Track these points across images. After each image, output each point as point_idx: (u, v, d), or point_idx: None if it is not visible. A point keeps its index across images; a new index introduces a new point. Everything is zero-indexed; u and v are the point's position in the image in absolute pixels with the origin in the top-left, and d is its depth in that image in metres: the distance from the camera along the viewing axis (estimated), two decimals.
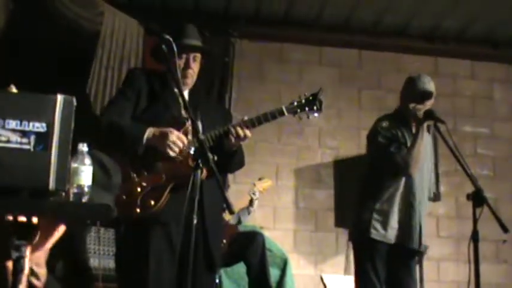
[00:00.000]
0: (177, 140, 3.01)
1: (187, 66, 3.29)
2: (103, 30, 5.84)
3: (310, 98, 3.30)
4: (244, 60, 6.54)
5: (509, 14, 6.30)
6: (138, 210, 3.02)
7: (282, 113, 3.25)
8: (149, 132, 3.05)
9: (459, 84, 6.99)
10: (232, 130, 3.13)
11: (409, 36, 6.80)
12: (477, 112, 6.98)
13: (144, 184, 3.06)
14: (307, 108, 3.29)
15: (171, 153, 3.02)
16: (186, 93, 3.30)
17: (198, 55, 3.36)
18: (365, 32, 6.75)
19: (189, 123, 3.11)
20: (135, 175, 3.08)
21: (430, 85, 4.11)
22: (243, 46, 6.47)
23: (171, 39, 2.78)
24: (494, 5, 6.11)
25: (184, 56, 3.28)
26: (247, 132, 3.16)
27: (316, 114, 3.32)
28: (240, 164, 3.49)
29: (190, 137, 3.12)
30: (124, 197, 2.99)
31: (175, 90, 3.18)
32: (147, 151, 3.06)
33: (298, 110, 3.29)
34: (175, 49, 2.74)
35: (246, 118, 3.22)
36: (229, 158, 3.27)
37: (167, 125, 3.09)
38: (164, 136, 3.02)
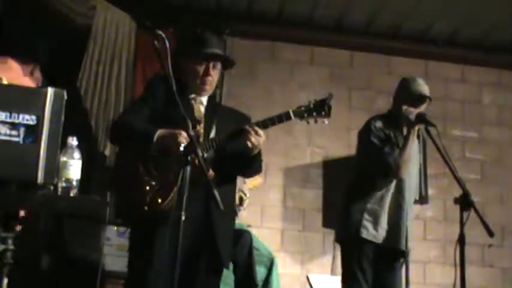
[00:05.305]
0: (185, 140, 3.01)
1: (206, 73, 3.34)
2: (95, 24, 5.82)
3: (319, 103, 3.29)
4: (235, 57, 6.48)
5: (500, 19, 6.32)
6: (146, 208, 3.05)
7: (288, 117, 3.24)
8: (159, 132, 3.07)
9: (449, 87, 7.00)
10: (249, 129, 3.13)
11: (400, 38, 6.81)
12: (466, 116, 7.00)
13: (153, 183, 3.09)
14: (315, 113, 3.28)
15: (178, 153, 3.03)
16: (205, 99, 3.42)
17: (218, 63, 3.40)
18: (356, 33, 6.76)
19: (200, 127, 3.16)
20: (145, 174, 3.12)
21: (425, 88, 4.12)
22: (235, 44, 6.45)
23: (163, 35, 2.77)
24: (485, 9, 6.13)
25: (204, 63, 3.33)
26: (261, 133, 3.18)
27: (325, 120, 3.32)
28: (258, 169, 3.48)
29: (201, 140, 3.14)
30: (133, 195, 3.07)
31: (190, 96, 3.32)
32: (158, 151, 3.09)
33: (306, 115, 3.28)
34: (167, 45, 2.73)
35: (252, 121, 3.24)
36: (248, 163, 3.29)
37: (179, 127, 3.08)
38: (172, 136, 3.03)
